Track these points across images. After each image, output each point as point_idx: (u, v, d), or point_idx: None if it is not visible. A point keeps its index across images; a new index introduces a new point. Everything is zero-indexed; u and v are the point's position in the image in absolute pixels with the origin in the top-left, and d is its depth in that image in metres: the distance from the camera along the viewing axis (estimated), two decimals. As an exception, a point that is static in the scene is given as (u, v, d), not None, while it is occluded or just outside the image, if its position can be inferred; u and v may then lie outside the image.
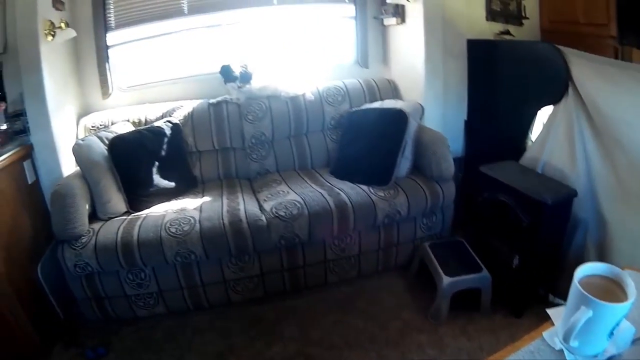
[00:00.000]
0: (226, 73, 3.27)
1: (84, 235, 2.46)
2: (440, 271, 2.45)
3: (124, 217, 2.64)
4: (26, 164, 2.83)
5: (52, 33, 2.90)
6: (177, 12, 3.45)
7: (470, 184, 2.94)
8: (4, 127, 2.86)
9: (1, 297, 2.27)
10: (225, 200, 2.75)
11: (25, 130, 2.90)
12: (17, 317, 2.35)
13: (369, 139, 2.92)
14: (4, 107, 2.89)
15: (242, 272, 2.60)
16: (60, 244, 2.45)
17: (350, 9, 3.67)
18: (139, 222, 2.54)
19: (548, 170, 2.57)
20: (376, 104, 3.25)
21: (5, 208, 2.51)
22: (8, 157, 2.63)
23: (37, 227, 2.74)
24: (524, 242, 2.36)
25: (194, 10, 3.46)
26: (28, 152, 2.86)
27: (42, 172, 2.91)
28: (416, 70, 3.23)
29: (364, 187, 2.72)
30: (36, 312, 2.49)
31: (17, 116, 2.91)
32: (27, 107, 2.86)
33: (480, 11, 3.29)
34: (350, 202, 2.60)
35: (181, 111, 3.25)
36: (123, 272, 2.50)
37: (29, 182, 2.83)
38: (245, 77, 3.26)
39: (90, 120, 3.22)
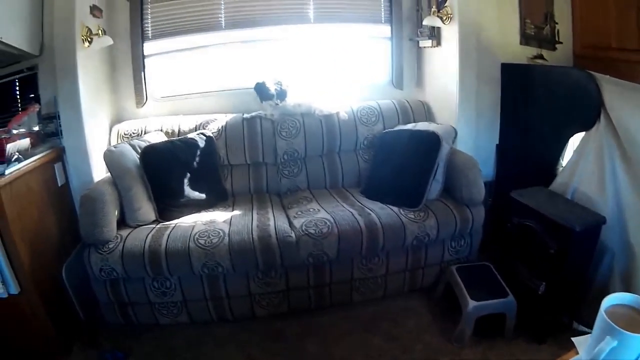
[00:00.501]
0: (261, 91, 3.26)
1: (111, 241, 2.48)
2: (466, 295, 2.42)
3: (153, 226, 2.65)
4: (57, 167, 2.86)
5: (89, 39, 2.96)
6: (214, 26, 3.49)
7: (500, 209, 2.91)
8: (37, 128, 2.90)
9: (24, 294, 2.31)
10: (255, 215, 2.75)
11: (57, 133, 2.94)
12: (38, 315, 2.39)
13: (401, 160, 2.91)
14: (37, 109, 2.92)
15: (268, 287, 2.59)
16: (87, 248, 2.47)
17: (386, 30, 3.68)
18: (167, 232, 2.54)
19: (578, 196, 2.53)
20: (409, 126, 3.24)
21: (34, 207, 2.55)
22: (39, 158, 2.67)
23: (65, 228, 2.78)
24: (550, 268, 2.33)
25: (231, 25, 3.50)
26: (59, 155, 2.90)
27: (72, 175, 2.95)
28: (450, 93, 3.22)
29: (395, 209, 2.70)
30: (57, 311, 2.51)
31: (50, 118, 2.95)
32: (61, 110, 2.91)
33: (515, 35, 3.28)
34: (380, 222, 2.58)
35: (215, 124, 3.27)
36: (148, 279, 2.50)
37: (59, 185, 2.87)
38: (281, 95, 3.26)
39: (123, 128, 3.26)
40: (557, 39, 3.16)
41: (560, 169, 2.79)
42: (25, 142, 2.70)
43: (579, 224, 2.16)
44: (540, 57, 3.19)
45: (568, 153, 2.77)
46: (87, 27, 2.94)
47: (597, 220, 2.25)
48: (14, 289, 2.30)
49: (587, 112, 2.45)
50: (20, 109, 2.97)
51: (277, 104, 3.25)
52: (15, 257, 2.29)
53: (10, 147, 2.51)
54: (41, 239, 2.55)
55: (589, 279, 2.42)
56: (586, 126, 2.49)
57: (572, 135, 2.71)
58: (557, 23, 3.19)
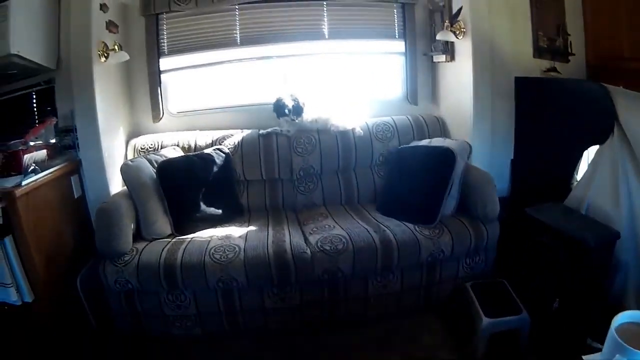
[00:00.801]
0: (279, 108, 3.27)
1: (127, 254, 2.51)
2: (480, 312, 2.40)
3: (169, 240, 2.67)
4: (73, 179, 2.90)
5: (106, 55, 3.00)
6: (229, 43, 3.53)
7: (514, 225, 2.89)
8: (54, 141, 2.94)
9: (38, 302, 2.36)
10: (271, 231, 2.76)
11: (74, 146, 2.98)
12: (50, 324, 2.44)
13: (416, 176, 2.91)
14: (54, 122, 2.96)
15: (283, 302, 2.59)
16: (102, 260, 2.49)
17: (400, 45, 3.70)
18: (183, 246, 2.56)
19: (592, 211, 2.51)
20: (424, 142, 3.23)
21: (50, 218, 2.60)
22: (56, 170, 2.72)
23: (80, 240, 2.82)
24: (565, 284, 2.32)
25: (247, 41, 3.54)
26: (76, 167, 2.94)
27: (88, 188, 2.99)
28: (465, 108, 3.22)
29: (410, 225, 2.69)
30: (70, 321, 2.56)
31: (67, 131, 2.99)
32: (78, 124, 2.95)
33: (528, 48, 3.28)
34: (396, 239, 2.58)
35: (231, 140, 3.29)
36: (163, 292, 2.52)
37: (75, 197, 2.91)
38: (297, 110, 3.28)
39: (139, 142, 3.30)
40: (570, 50, 3.17)
41: (575, 183, 2.78)
42: (42, 154, 2.74)
43: (593, 240, 2.15)
44: (554, 69, 3.18)
45: (583, 166, 2.76)
46: (103, 42, 2.99)
47: (612, 235, 2.24)
48: (28, 297, 2.34)
49: (600, 125, 2.45)
50: (37, 122, 3.01)
51: (293, 120, 3.27)
52: (30, 266, 2.34)
53: (27, 159, 2.56)
54: (56, 250, 2.60)
55: (603, 295, 2.39)
56: (600, 139, 2.48)
57: (586, 149, 2.70)
58: (569, 35, 3.21)
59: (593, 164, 2.57)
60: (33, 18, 2.74)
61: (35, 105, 3.07)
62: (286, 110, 3.24)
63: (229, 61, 3.59)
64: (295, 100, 3.28)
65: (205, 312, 2.58)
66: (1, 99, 3.01)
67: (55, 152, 2.91)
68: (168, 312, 2.56)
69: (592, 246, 2.14)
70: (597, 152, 2.53)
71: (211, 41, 3.52)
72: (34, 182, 2.48)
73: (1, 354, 2.36)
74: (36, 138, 2.83)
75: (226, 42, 3.52)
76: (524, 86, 3.20)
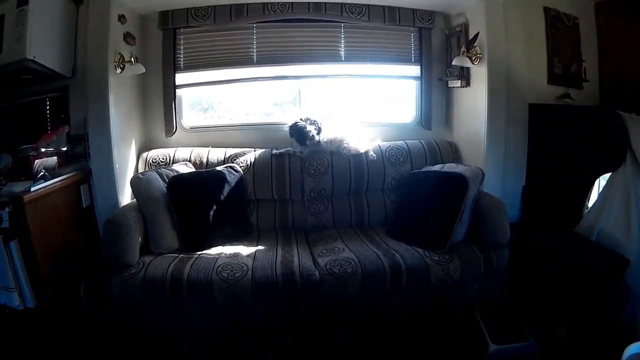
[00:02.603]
0: (300, 134, 3.27)
1: (133, 266, 2.49)
2: (488, 337, 2.40)
3: (176, 255, 2.65)
4: (83, 188, 2.90)
5: (122, 66, 3.02)
6: (246, 61, 3.54)
7: (524, 251, 2.87)
8: (65, 148, 2.93)
9: (40, 308, 2.38)
10: (279, 251, 2.73)
11: (85, 155, 2.97)
12: (51, 330, 2.45)
13: (428, 201, 2.89)
14: (67, 130, 2.96)
15: (290, 322, 2.56)
16: (108, 271, 2.47)
17: (416, 70, 3.69)
18: (190, 262, 2.54)
19: (603, 238, 2.51)
20: (437, 167, 3.23)
21: (58, 226, 2.61)
22: (66, 178, 2.74)
23: (87, 249, 2.82)
24: (573, 311, 2.31)
25: (263, 60, 3.56)
26: (86, 177, 2.95)
27: (97, 198, 2.98)
28: (478, 134, 3.21)
29: (420, 250, 2.67)
30: (71, 329, 2.55)
31: (78, 140, 3.00)
32: (91, 133, 2.95)
33: (542, 74, 3.31)
34: (405, 264, 2.55)
35: (243, 158, 3.28)
36: (168, 307, 2.49)
37: (84, 206, 2.92)
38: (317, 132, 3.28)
39: (151, 155, 3.29)
40: (584, 76, 3.20)
41: (587, 209, 2.76)
42: (53, 161, 2.76)
43: (602, 268, 2.16)
44: (567, 96, 3.21)
45: (594, 193, 2.78)
46: (120, 53, 3.00)
47: (621, 262, 2.24)
48: (31, 303, 2.35)
49: (613, 152, 2.45)
50: (49, 128, 3.01)
51: (309, 143, 3.27)
52: (34, 272, 2.35)
53: (37, 164, 2.58)
54: (62, 257, 2.60)
55: (612, 322, 2.36)
56: (612, 166, 2.48)
57: (598, 176, 2.70)
58: (584, 61, 3.22)
59: (605, 191, 2.58)
60: (51, 25, 2.77)
61: (48, 111, 3.07)
62: (311, 136, 3.24)
63: (245, 79, 3.60)
64: (314, 123, 3.28)
65: (210, 329, 2.54)
66: (15, 103, 3.02)
67: (66, 160, 2.91)
68: (172, 326, 2.53)
69: (600, 276, 2.15)
70: (609, 179, 2.54)
71: (227, 58, 3.54)
72: (44, 189, 2.49)
73: (1, 356, 2.37)
74: (48, 145, 2.84)
75: (242, 60, 3.54)
76: (537, 113, 3.22)
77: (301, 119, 3.29)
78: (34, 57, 2.58)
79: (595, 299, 2.23)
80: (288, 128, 3.32)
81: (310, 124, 3.26)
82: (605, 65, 3.18)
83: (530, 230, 2.69)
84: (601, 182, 2.68)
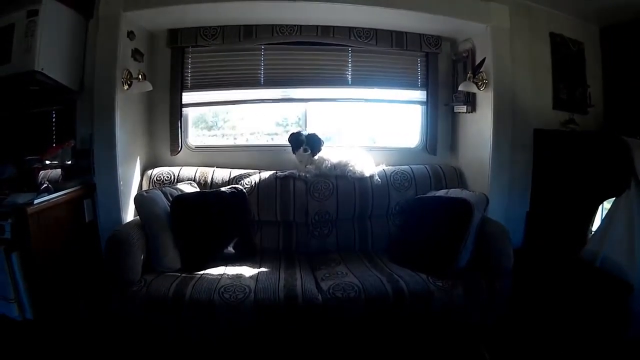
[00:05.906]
0: (295, 140, 3.33)
1: (135, 284, 2.47)
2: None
3: (178, 274, 2.63)
4: (86, 203, 2.90)
5: (129, 82, 3.03)
6: (253, 82, 3.56)
7: (528, 276, 2.86)
8: (70, 162, 2.93)
9: (38, 320, 2.38)
10: (282, 274, 2.71)
11: (89, 170, 2.96)
12: (48, 343, 2.44)
13: (432, 227, 2.89)
14: (72, 145, 2.96)
15: (293, 345, 2.52)
16: (110, 287, 2.46)
17: (422, 94, 3.71)
18: (193, 282, 2.52)
19: (607, 263, 2.51)
20: (441, 192, 3.22)
21: (60, 239, 2.63)
22: (69, 192, 2.75)
23: (89, 264, 2.81)
24: (577, 339, 2.31)
25: (270, 82, 3.57)
26: (90, 191, 2.95)
27: (101, 213, 2.97)
28: (483, 160, 3.22)
29: (423, 276, 2.64)
30: (68, 343, 2.53)
31: (83, 154, 2.99)
32: (96, 149, 2.95)
33: (548, 100, 3.35)
34: (408, 290, 2.53)
35: (248, 179, 3.27)
36: (168, 326, 2.44)
37: (87, 220, 2.91)
38: (314, 143, 3.32)
39: (155, 173, 3.29)
40: (589, 101, 3.23)
41: (590, 234, 2.75)
42: (57, 175, 2.77)
43: (604, 296, 2.22)
44: (572, 121, 3.24)
45: (598, 219, 2.79)
46: (127, 70, 3.01)
47: (624, 289, 2.27)
48: (30, 314, 2.34)
49: (617, 178, 2.47)
50: (55, 141, 3.01)
51: (307, 152, 3.30)
52: (35, 284, 2.35)
53: (41, 177, 2.59)
54: (63, 271, 2.61)
55: (616, 346, 2.37)
56: (616, 192, 2.49)
57: (602, 202, 2.70)
58: (589, 86, 3.25)
59: (609, 217, 2.59)
60: (60, 38, 2.79)
61: (54, 124, 3.08)
62: (302, 139, 3.29)
63: (251, 101, 3.62)
64: (312, 133, 3.33)
65: (211, 349, 2.51)
66: (21, 114, 3.03)
67: (70, 174, 2.91)
68: (171, 345, 2.49)
69: (603, 303, 2.15)
70: (613, 205, 2.56)
71: (234, 79, 3.56)
72: (47, 202, 2.49)
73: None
74: (52, 158, 2.84)
75: (249, 82, 3.56)
76: (542, 138, 3.24)
77: (300, 130, 3.37)
78: (42, 69, 2.61)
79: (599, 325, 2.23)
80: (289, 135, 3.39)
81: (309, 133, 3.33)
82: (610, 90, 3.19)
83: (535, 255, 2.68)
84: (605, 206, 2.68)
